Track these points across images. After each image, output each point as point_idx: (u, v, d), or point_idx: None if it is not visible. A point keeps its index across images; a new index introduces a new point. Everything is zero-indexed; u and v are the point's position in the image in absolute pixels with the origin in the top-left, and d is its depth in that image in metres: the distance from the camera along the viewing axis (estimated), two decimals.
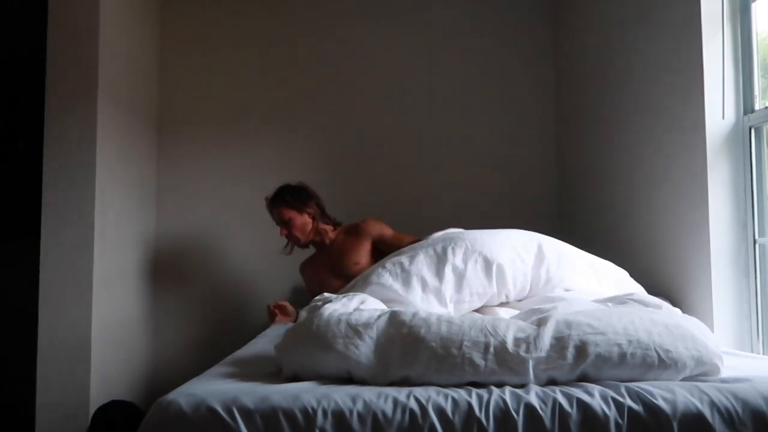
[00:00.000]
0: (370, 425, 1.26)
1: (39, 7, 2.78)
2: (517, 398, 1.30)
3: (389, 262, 2.16)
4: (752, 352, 2.11)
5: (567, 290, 2.14)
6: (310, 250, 3.01)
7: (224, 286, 3.44)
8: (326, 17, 3.57)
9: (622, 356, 1.40)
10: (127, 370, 3.05)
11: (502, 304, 2.16)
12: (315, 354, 1.48)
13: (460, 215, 3.36)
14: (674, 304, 2.13)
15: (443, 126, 3.54)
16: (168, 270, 3.43)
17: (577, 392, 1.32)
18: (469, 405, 1.29)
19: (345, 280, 2.64)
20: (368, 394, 1.32)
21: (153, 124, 3.44)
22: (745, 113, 2.20)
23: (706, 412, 1.28)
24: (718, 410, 1.29)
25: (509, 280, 2.11)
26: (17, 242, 3.52)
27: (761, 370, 1.58)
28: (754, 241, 2.16)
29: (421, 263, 2.09)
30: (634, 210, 2.70)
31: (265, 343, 2.10)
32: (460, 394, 1.32)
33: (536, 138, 3.58)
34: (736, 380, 1.40)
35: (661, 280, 2.45)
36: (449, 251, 2.10)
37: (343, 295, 1.93)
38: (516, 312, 1.96)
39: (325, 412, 1.27)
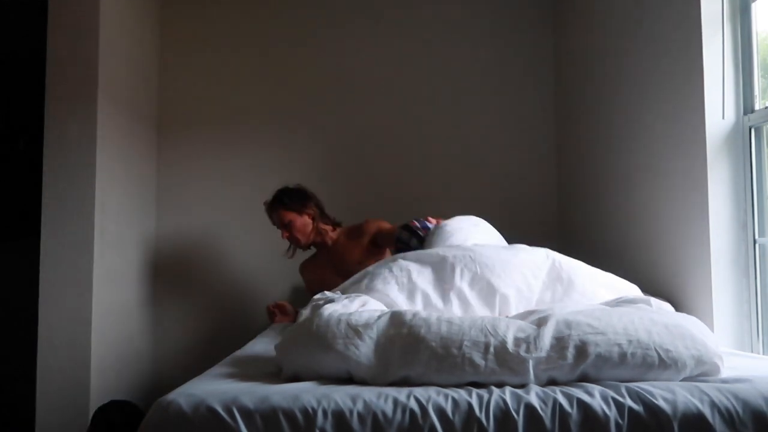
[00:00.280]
0: (370, 425, 1.26)
1: (39, 7, 2.78)
2: (518, 398, 1.30)
3: (396, 266, 2.02)
4: (752, 352, 2.11)
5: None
6: (310, 251, 3.01)
7: (224, 286, 3.44)
8: (326, 17, 3.57)
9: (623, 356, 1.40)
10: (127, 370, 3.05)
11: None
12: (315, 354, 1.48)
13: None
14: (674, 304, 2.13)
15: (443, 126, 3.54)
16: (168, 270, 3.43)
17: (578, 392, 1.32)
18: (470, 405, 1.29)
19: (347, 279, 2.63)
20: (368, 394, 1.32)
21: (153, 124, 3.44)
22: (745, 113, 2.20)
23: (707, 412, 1.28)
24: (719, 410, 1.29)
25: (512, 308, 1.98)
26: (17, 242, 3.52)
27: (761, 370, 1.58)
28: (754, 241, 2.16)
29: (428, 282, 1.96)
30: (634, 209, 2.70)
31: (265, 343, 2.10)
32: (461, 394, 1.32)
33: (536, 138, 3.58)
34: (737, 380, 1.40)
35: (661, 280, 2.45)
36: (457, 273, 1.96)
37: (345, 296, 1.91)
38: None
39: (325, 412, 1.27)
